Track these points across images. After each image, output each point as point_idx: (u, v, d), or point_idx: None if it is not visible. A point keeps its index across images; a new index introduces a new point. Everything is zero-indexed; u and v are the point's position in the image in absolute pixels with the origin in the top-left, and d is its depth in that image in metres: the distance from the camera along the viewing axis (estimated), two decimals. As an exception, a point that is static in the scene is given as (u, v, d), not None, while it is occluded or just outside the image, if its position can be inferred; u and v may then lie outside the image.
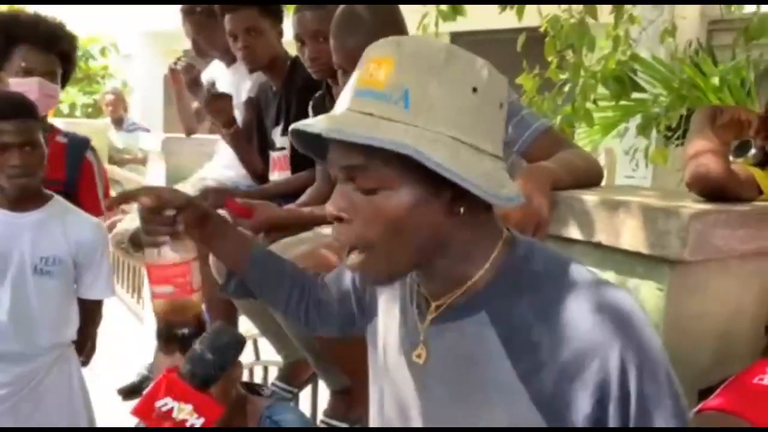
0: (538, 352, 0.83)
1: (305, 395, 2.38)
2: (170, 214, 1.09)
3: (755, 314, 1.40)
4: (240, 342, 1.03)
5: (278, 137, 2.53)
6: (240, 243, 1.21)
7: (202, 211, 1.15)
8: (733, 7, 3.38)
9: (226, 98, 2.56)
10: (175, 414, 0.96)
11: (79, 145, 2.30)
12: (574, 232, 1.36)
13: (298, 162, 2.47)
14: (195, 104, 3.09)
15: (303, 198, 2.23)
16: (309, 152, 0.95)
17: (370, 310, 1.11)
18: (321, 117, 0.87)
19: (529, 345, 0.83)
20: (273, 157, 2.58)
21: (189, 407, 0.97)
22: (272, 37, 2.41)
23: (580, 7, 3.01)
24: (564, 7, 3.09)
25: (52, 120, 2.76)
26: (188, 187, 2.87)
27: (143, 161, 5.09)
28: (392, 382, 1.00)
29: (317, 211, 2.09)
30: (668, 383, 0.81)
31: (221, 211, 2.35)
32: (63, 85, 2.22)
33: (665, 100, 3.42)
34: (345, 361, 1.81)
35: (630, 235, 1.27)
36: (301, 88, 2.41)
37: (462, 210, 0.84)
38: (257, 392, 1.75)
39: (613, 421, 0.80)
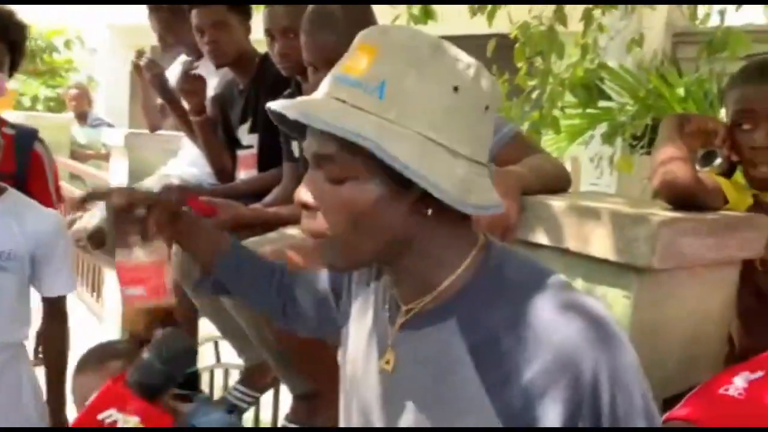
0: (507, 364, 0.80)
1: (266, 399, 2.33)
2: (141, 214, 1.06)
3: (719, 322, 1.41)
4: (191, 351, 0.99)
5: (245, 135, 2.49)
6: (213, 240, 1.18)
7: (173, 209, 1.13)
8: (698, 21, 3.43)
9: (201, 81, 2.48)
10: (120, 425, 0.92)
11: (27, 137, 2.22)
12: (542, 238, 1.35)
13: (265, 161, 2.43)
14: (159, 100, 3.02)
15: (269, 198, 2.20)
16: (293, 133, 0.93)
17: (345, 315, 1.08)
18: (297, 99, 0.85)
19: (498, 356, 0.81)
20: (240, 155, 2.53)
21: (135, 419, 0.92)
22: (240, 33, 2.37)
23: (551, 14, 3.03)
24: (534, 13, 3.11)
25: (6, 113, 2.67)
26: (151, 184, 2.82)
27: (106, 157, 4.98)
28: (359, 388, 0.98)
29: (283, 210, 2.06)
30: (643, 402, 0.79)
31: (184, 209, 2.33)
32: (10, 75, 2.15)
33: (631, 109, 3.47)
34: (308, 365, 1.78)
35: (598, 242, 1.26)
36: (269, 86, 2.37)
37: (430, 212, 0.81)
38: (188, 399, 1.70)
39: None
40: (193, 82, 2.47)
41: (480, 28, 3.19)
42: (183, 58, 2.97)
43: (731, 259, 1.38)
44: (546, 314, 0.80)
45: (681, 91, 3.43)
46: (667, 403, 1.31)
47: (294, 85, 2.16)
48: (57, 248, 1.85)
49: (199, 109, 2.50)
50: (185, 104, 2.51)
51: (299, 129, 0.88)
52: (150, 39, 3.09)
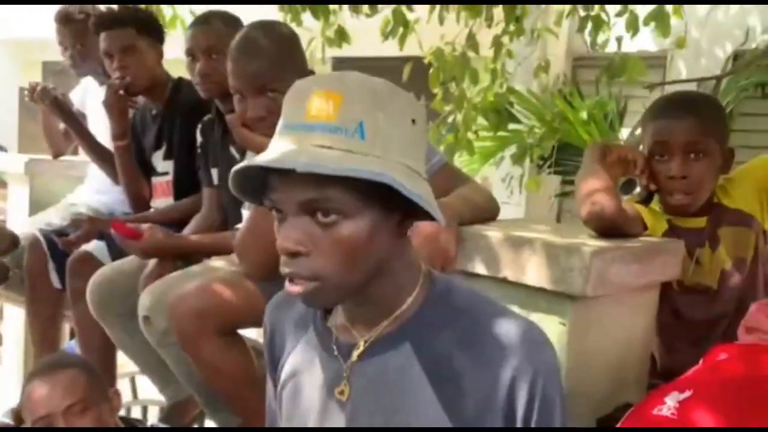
0: (460, 382, 0.87)
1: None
2: None
3: (643, 343, 1.49)
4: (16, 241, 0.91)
5: (160, 162, 2.41)
6: None
7: None
8: (598, 47, 3.63)
9: (126, 100, 2.34)
10: None
11: None
12: (479, 268, 1.38)
13: (182, 187, 2.36)
14: (62, 124, 2.87)
15: (190, 226, 2.13)
16: (239, 193, 0.91)
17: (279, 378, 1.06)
18: (281, 153, 0.83)
19: (452, 375, 0.87)
20: (155, 183, 2.45)
21: None
22: (150, 58, 2.30)
23: (462, 40, 3.12)
24: (447, 39, 3.19)
25: None
26: (55, 214, 2.67)
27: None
28: (310, 422, 0.98)
29: (205, 239, 2.01)
30: (562, 412, 0.90)
31: (96, 243, 2.23)
32: None
33: (538, 131, 3.62)
34: (237, 402, 1.73)
35: (534, 271, 1.31)
36: (185, 111, 2.31)
37: (409, 232, 0.89)
38: (133, 426, 1.65)
39: None
40: (122, 102, 2.34)
41: (392, 51, 3.25)
42: (88, 80, 2.84)
43: (652, 283, 1.46)
44: (492, 336, 0.88)
45: (584, 114, 3.62)
46: (601, 422, 1.37)
47: (214, 111, 2.11)
48: None
49: (124, 131, 2.38)
50: (111, 125, 2.36)
51: (244, 188, 0.89)
52: (42, 55, 2.94)
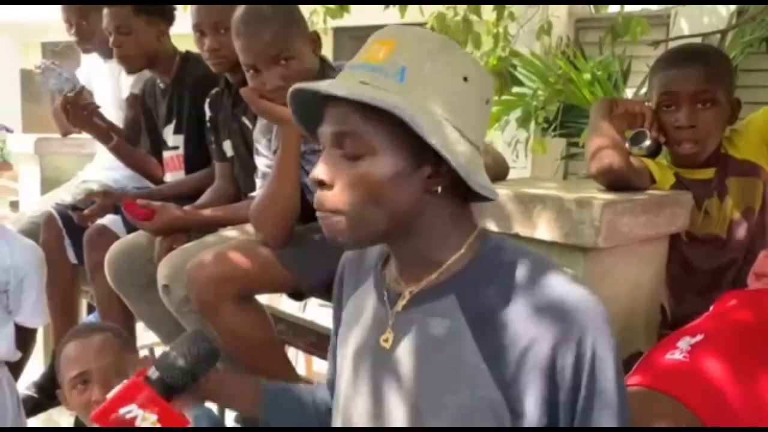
0: (503, 336, 0.86)
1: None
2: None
3: (651, 292, 1.52)
4: (215, 352, 0.97)
5: (171, 136, 2.43)
6: (246, 391, 1.13)
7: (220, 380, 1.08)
8: (600, 7, 3.60)
9: (85, 108, 2.38)
10: (138, 423, 0.90)
11: None
12: (491, 225, 1.41)
13: (192, 162, 2.39)
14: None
15: (203, 198, 2.16)
16: (298, 120, 0.96)
17: (339, 320, 1.10)
18: (323, 81, 0.88)
19: (495, 328, 0.87)
20: (165, 157, 2.47)
21: (153, 417, 0.91)
22: (146, 37, 2.28)
23: (464, 3, 3.11)
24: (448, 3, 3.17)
25: None
26: (67, 191, 2.70)
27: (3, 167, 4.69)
28: (362, 372, 1.00)
29: (219, 212, 2.04)
30: (617, 382, 0.86)
31: (111, 217, 2.26)
32: None
33: (543, 94, 3.60)
34: (260, 365, 1.77)
35: (545, 226, 1.33)
36: (193, 85, 2.33)
37: (439, 189, 0.88)
38: None
39: (562, 408, 0.85)
40: (78, 115, 2.38)
41: (393, 18, 3.23)
42: (93, 57, 2.85)
43: (661, 234, 1.48)
44: (539, 294, 0.87)
45: (588, 75, 3.60)
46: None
47: (223, 82, 2.13)
48: (34, 280, 1.82)
49: (105, 135, 2.45)
50: (92, 135, 2.45)
51: (303, 116, 0.94)
52: (42, 36, 2.94)
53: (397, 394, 0.94)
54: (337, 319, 1.12)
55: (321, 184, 0.89)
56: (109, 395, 0.94)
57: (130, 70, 2.39)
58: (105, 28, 2.29)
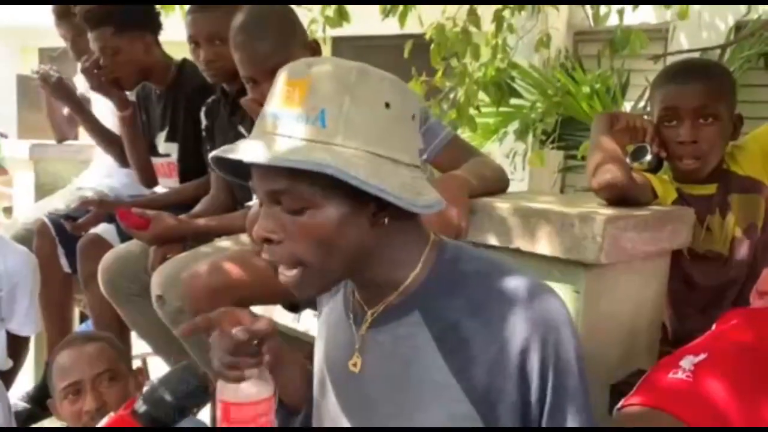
0: (470, 348, 0.87)
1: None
2: (255, 344, 0.96)
3: (654, 309, 1.50)
4: (206, 388, 0.94)
5: (162, 143, 2.41)
6: (302, 375, 1.10)
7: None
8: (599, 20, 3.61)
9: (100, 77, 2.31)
10: None
11: None
12: (491, 239, 1.39)
13: (187, 170, 2.37)
14: (66, 109, 2.87)
15: (198, 208, 2.14)
16: (231, 177, 0.94)
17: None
18: (240, 143, 0.88)
19: (461, 341, 0.88)
20: (156, 164, 2.45)
21: None
22: (133, 54, 2.25)
23: (464, 15, 3.10)
24: (447, 14, 3.17)
25: None
26: (61, 198, 2.68)
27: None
28: (328, 394, 1.01)
29: (213, 222, 2.02)
30: (580, 379, 0.89)
31: (105, 226, 2.23)
32: None
33: (541, 106, 3.61)
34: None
35: (546, 241, 1.31)
36: (189, 93, 2.31)
37: (386, 220, 0.87)
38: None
39: (534, 409, 0.87)
40: (98, 79, 2.30)
41: (393, 29, 3.23)
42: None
43: (663, 251, 1.47)
44: (502, 300, 0.88)
45: (586, 88, 3.60)
46: (614, 389, 1.38)
47: (220, 91, 2.11)
48: (27, 287, 1.79)
49: (123, 101, 2.37)
50: (111, 101, 2.37)
51: (233, 170, 0.91)
52: (39, 41, 2.93)
53: (368, 416, 0.94)
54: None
55: (268, 241, 0.87)
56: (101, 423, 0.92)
57: (126, 88, 2.38)
58: (92, 52, 2.28)
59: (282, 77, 0.87)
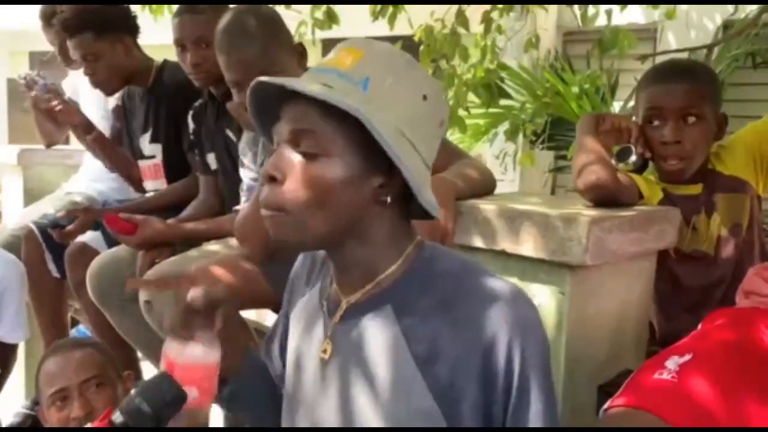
0: (436, 345, 0.89)
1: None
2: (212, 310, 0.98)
3: (640, 310, 1.50)
4: (181, 397, 0.94)
5: (147, 145, 2.41)
6: (242, 346, 1.13)
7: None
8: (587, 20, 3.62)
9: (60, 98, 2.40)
10: None
11: None
12: (477, 241, 1.39)
13: (172, 170, 2.36)
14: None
15: (187, 212, 2.14)
16: (256, 117, 0.97)
17: (285, 329, 1.10)
18: (286, 78, 0.89)
19: (429, 337, 0.89)
20: (141, 166, 2.45)
21: None
22: (115, 57, 2.26)
23: (452, 17, 3.11)
24: (436, 16, 3.18)
25: None
26: (50, 203, 2.67)
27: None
28: (302, 382, 1.02)
29: (202, 226, 2.01)
30: (546, 379, 0.90)
31: (92, 234, 2.22)
32: None
33: (531, 107, 3.62)
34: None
35: (532, 243, 1.32)
36: (170, 93, 2.31)
37: (388, 200, 0.89)
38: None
39: (496, 408, 0.88)
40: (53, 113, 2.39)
41: (382, 30, 3.23)
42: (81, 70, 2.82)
43: (649, 251, 1.47)
44: (471, 299, 0.89)
45: (575, 88, 3.62)
46: (602, 389, 1.38)
47: (207, 95, 2.11)
48: (14, 294, 1.79)
49: (86, 126, 2.43)
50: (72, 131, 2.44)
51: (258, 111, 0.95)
52: (29, 45, 2.92)
53: (333, 404, 0.96)
54: (284, 322, 1.12)
55: (271, 179, 0.89)
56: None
57: (110, 92, 2.39)
58: (74, 59, 2.28)
59: (339, 45, 0.92)
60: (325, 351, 0.97)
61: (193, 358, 0.97)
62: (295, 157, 0.88)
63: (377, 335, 0.93)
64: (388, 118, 0.86)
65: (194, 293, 0.98)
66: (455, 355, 0.87)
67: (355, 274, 0.95)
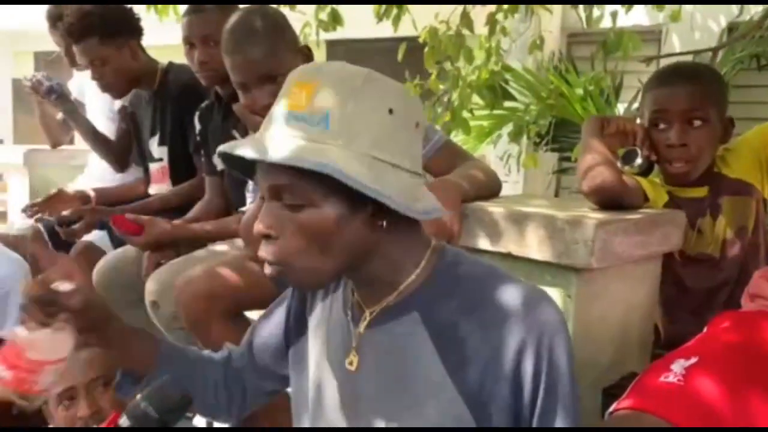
0: (465, 348, 0.89)
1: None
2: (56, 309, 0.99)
3: (645, 313, 1.51)
4: (188, 400, 0.95)
5: (155, 148, 2.42)
6: (144, 345, 1.13)
7: (104, 315, 1.07)
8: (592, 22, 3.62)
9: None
10: None
11: None
12: (483, 243, 1.40)
13: (178, 172, 2.37)
14: (60, 114, 2.87)
15: (193, 212, 2.14)
16: (237, 172, 0.98)
17: (298, 333, 1.10)
18: (247, 139, 0.91)
19: (457, 341, 0.90)
20: (151, 169, 2.46)
21: None
22: (121, 61, 2.27)
23: (457, 18, 3.11)
24: (441, 17, 3.18)
25: None
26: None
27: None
28: (324, 393, 1.02)
29: (208, 226, 2.02)
30: (571, 383, 0.91)
31: (98, 233, 2.23)
32: None
33: (535, 108, 3.61)
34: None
35: (538, 245, 1.32)
36: (176, 96, 2.32)
37: (384, 223, 0.89)
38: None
39: (525, 410, 0.88)
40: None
41: (387, 32, 3.24)
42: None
43: (654, 254, 1.47)
44: (498, 303, 0.90)
45: (580, 90, 3.61)
46: (607, 392, 1.39)
47: (213, 95, 2.11)
48: (19, 295, 1.80)
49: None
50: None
51: (238, 165, 0.94)
52: (33, 45, 2.92)
53: (364, 414, 0.96)
54: (287, 310, 1.11)
55: (267, 237, 0.89)
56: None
57: (118, 96, 2.40)
58: (81, 64, 2.29)
59: (291, 78, 0.90)
60: (351, 363, 0.97)
61: (35, 348, 0.99)
62: (282, 212, 0.88)
63: (405, 342, 0.93)
64: (358, 147, 0.85)
65: (30, 290, 0.99)
66: (485, 359, 0.88)
67: (375, 287, 0.96)
